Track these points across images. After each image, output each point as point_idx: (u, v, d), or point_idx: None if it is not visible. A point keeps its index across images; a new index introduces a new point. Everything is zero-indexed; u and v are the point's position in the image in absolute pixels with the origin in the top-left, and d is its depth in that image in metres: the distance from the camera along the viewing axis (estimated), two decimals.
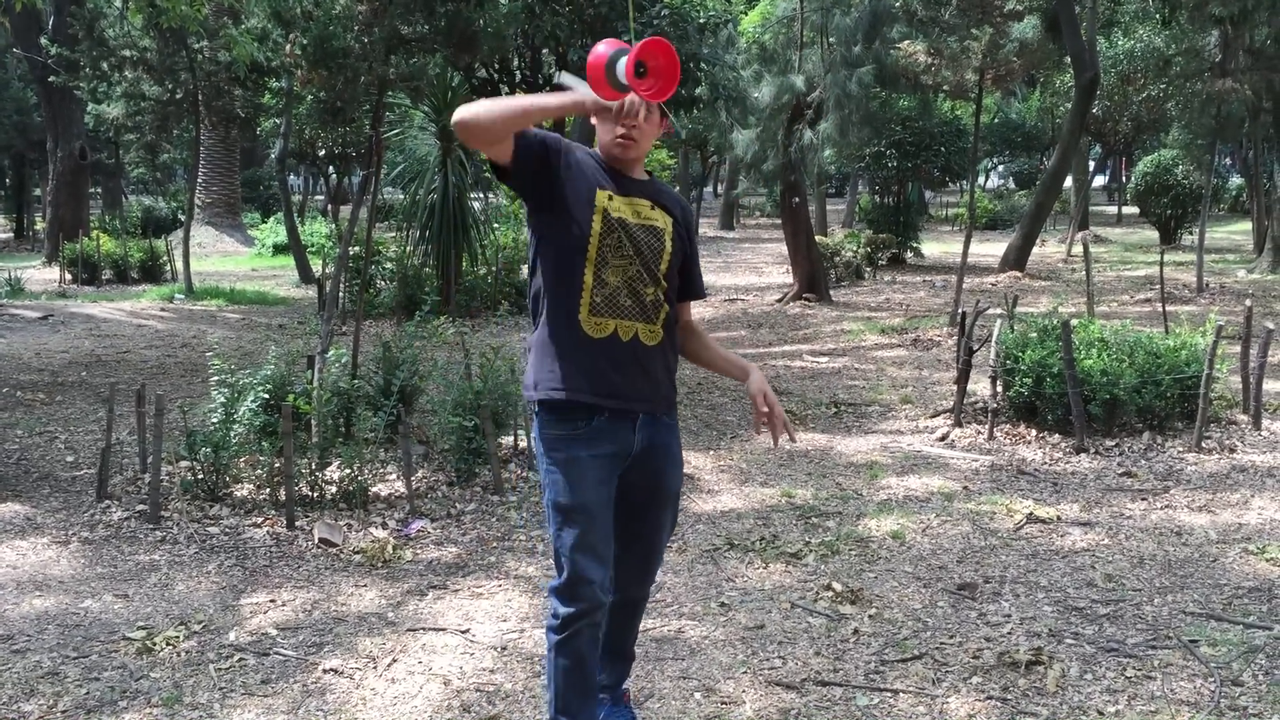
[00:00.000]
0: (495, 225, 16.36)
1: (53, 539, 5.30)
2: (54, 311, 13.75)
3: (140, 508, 5.62)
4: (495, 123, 2.76)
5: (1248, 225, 24.17)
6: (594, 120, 3.00)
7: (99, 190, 32.22)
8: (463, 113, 2.75)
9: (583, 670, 2.99)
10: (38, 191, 33.05)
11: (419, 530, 5.41)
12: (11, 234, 30.60)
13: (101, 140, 25.76)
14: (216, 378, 6.20)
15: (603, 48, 2.80)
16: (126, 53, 15.41)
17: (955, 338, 8.54)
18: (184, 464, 5.95)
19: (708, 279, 18.65)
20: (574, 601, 2.93)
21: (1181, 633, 4.12)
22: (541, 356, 3.01)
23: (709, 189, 47.79)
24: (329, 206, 32.55)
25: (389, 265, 14.56)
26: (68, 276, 17.41)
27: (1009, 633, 4.14)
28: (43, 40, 18.28)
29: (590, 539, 2.92)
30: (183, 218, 19.51)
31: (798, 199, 15.22)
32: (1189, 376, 6.87)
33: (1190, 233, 23.04)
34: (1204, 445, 6.65)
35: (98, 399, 8.35)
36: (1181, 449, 6.66)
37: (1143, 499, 5.86)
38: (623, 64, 2.68)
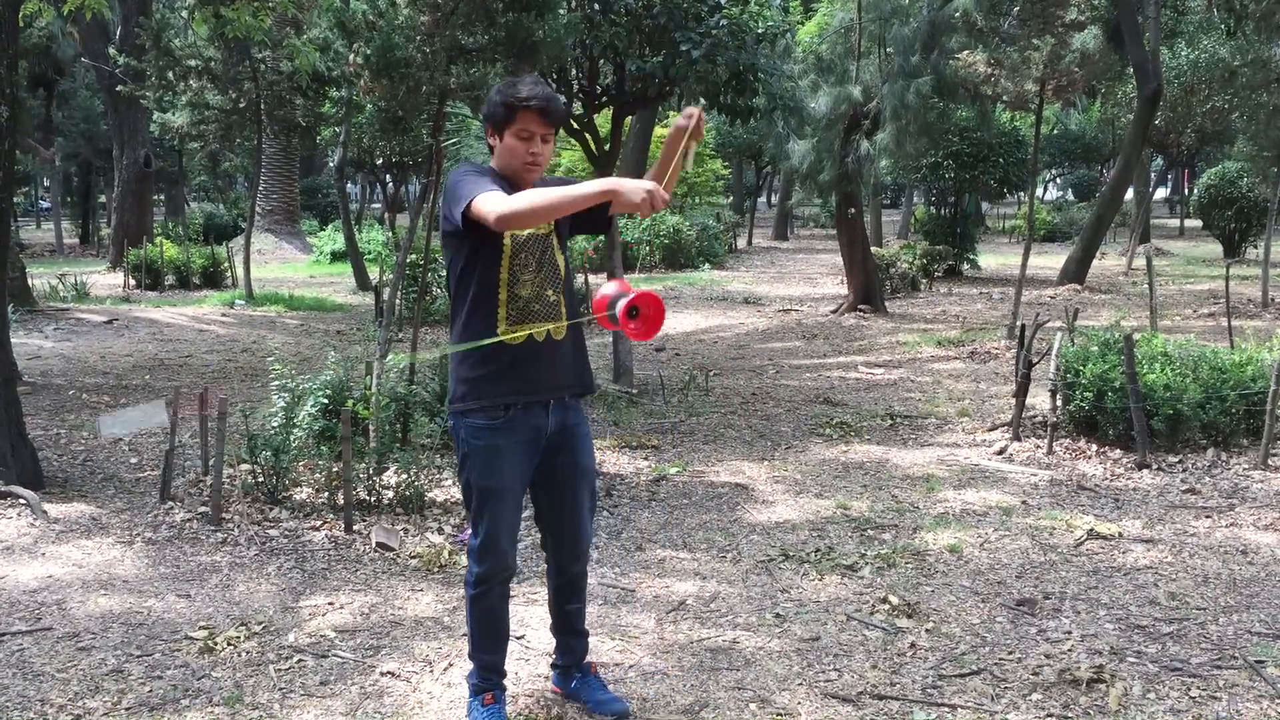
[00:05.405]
0: None
1: (117, 539, 5.40)
2: (118, 316, 14.03)
3: (202, 509, 5.71)
4: (535, 220, 3.05)
5: None
6: (493, 142, 3.27)
7: (162, 197, 32.89)
8: (507, 211, 2.97)
9: (494, 620, 3.44)
10: (103, 198, 33.78)
11: None
12: (78, 240, 31.31)
13: (165, 148, 26.30)
14: (277, 382, 6.28)
15: (611, 288, 3.26)
16: (192, 62, 15.74)
17: (1013, 351, 8.45)
18: (245, 467, 6.04)
19: (761, 289, 18.73)
20: (486, 563, 3.35)
21: (1248, 653, 4.03)
22: (465, 366, 3.29)
23: (763, 199, 47.73)
24: (386, 214, 32.87)
25: (445, 273, 14.66)
26: (131, 281, 17.75)
27: (1069, 650, 4.09)
28: (110, 50, 18.71)
29: (503, 514, 3.33)
30: (243, 225, 19.85)
31: (853, 210, 15.15)
32: (1255, 392, 6.74)
33: (1255, 246, 22.62)
34: (1270, 462, 6.52)
35: (161, 402, 8.49)
36: (1247, 466, 6.53)
37: (1207, 516, 5.75)
38: (621, 304, 3.13)
